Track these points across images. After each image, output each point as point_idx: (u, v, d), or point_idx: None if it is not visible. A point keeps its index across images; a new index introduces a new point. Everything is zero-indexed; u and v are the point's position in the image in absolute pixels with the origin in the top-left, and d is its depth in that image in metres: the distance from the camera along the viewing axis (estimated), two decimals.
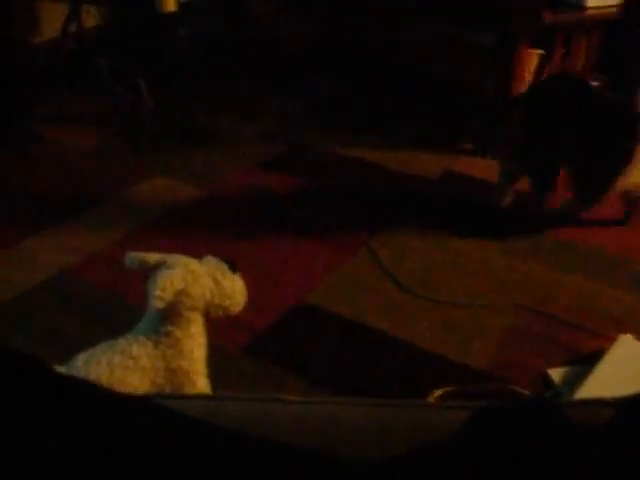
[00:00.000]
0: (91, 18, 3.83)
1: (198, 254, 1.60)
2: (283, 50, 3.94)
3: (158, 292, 1.43)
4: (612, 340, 2.01)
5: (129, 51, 3.53)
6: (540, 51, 3.00)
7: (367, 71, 3.69)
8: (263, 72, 3.81)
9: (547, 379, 1.91)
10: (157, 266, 1.49)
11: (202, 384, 1.57)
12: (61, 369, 1.41)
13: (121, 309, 2.11)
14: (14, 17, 3.49)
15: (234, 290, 1.56)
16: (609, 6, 2.88)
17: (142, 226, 2.56)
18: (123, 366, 1.47)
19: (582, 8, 2.85)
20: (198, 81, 3.59)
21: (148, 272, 1.51)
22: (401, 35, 3.63)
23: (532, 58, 2.99)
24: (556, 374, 1.92)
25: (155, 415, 0.75)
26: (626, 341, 2.02)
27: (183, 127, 3.29)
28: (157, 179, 2.87)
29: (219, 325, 2.01)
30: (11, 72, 3.42)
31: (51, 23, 3.67)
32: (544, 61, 3.03)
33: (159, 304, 1.44)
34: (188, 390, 1.54)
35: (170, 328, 1.51)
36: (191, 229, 2.54)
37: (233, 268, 1.58)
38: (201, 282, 1.51)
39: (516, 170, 2.70)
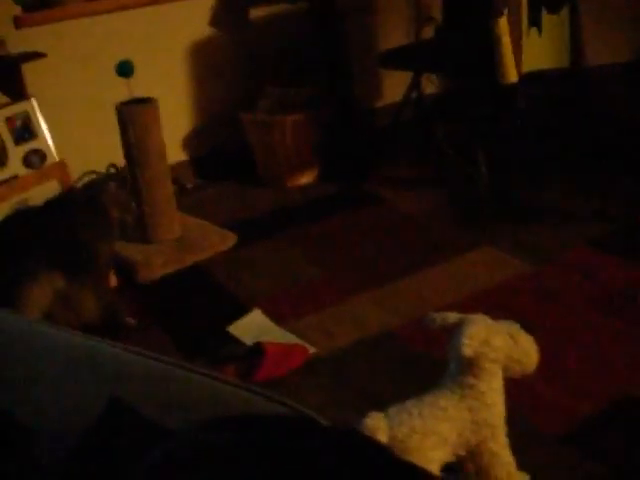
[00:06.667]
0: (431, 86, 4.00)
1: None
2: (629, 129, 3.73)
3: (466, 340, 1.49)
4: None
5: (467, 119, 3.60)
6: None
7: None
8: (599, 149, 3.65)
9: None
10: (457, 324, 1.55)
11: (503, 440, 1.57)
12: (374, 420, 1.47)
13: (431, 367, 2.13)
14: (353, 82, 3.72)
15: (530, 347, 1.57)
16: None
17: (467, 294, 2.53)
18: (433, 416, 1.50)
19: None
20: (533, 153, 3.55)
21: (449, 330, 1.57)
22: None
23: None
24: None
25: None
26: None
27: (515, 198, 3.21)
28: (485, 249, 2.82)
29: (538, 406, 1.98)
30: (349, 136, 3.66)
31: (393, 89, 3.88)
32: None
33: (467, 351, 1.49)
34: (491, 445, 1.55)
35: (473, 381, 1.53)
36: (515, 303, 2.46)
37: (526, 329, 1.59)
38: (501, 335, 1.54)
39: None
